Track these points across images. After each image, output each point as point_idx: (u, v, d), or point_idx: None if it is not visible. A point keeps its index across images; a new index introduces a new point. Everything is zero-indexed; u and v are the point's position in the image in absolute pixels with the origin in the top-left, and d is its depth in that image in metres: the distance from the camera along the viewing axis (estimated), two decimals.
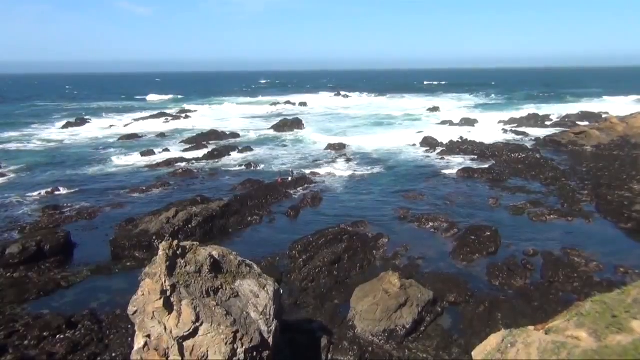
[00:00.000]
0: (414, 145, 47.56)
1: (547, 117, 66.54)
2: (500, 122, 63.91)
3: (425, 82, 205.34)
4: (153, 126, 66.50)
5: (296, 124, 61.83)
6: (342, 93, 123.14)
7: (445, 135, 51.91)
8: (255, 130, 62.03)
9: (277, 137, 55.12)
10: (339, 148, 46.56)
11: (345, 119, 74.78)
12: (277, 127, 60.50)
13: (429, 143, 46.97)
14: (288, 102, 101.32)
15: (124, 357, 13.41)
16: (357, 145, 48.03)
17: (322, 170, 37.08)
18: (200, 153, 44.88)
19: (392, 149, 46.16)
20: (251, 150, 46.80)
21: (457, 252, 20.53)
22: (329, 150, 45.96)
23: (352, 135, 55.18)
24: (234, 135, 56.49)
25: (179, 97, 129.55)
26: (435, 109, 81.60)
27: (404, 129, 60.13)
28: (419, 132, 55.31)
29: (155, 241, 20.98)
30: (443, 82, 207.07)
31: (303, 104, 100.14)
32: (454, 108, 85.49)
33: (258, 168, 39.16)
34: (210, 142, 51.50)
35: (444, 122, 64.98)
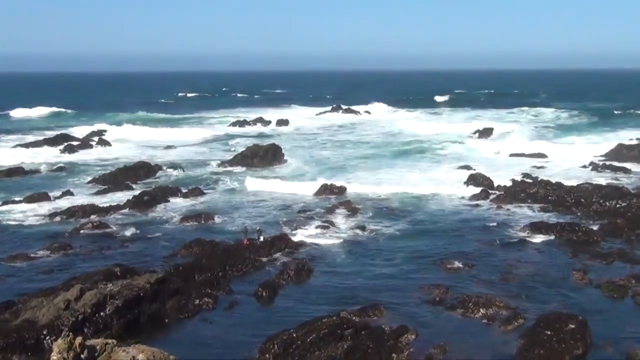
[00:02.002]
0: (456, 187, 48.16)
1: None
2: (586, 152, 65.08)
3: (456, 91, 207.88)
4: (47, 156, 66.78)
5: (272, 153, 62.55)
6: (344, 107, 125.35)
7: (503, 172, 52.57)
8: (208, 162, 62.60)
9: (241, 174, 55.50)
10: (338, 191, 46.97)
11: (347, 145, 76.01)
12: (243, 159, 61.11)
13: (479, 184, 47.60)
14: (260, 120, 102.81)
15: None
16: (366, 187, 48.49)
17: (311, 227, 37.20)
18: (121, 198, 44.86)
19: (422, 193, 46.63)
20: (201, 194, 46.88)
21: (525, 356, 20.44)
22: (324, 195, 46.32)
23: (359, 171, 55.79)
24: (175, 170, 56.87)
25: (66, 111, 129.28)
26: (486, 132, 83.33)
27: (440, 162, 60.94)
28: (462, 167, 56.07)
29: (47, 338, 20.68)
30: (491, 90, 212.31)
31: (283, 123, 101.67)
32: (514, 130, 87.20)
33: (212, 222, 39.09)
34: (138, 181, 51.77)
35: (499, 152, 66.18)
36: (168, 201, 44.63)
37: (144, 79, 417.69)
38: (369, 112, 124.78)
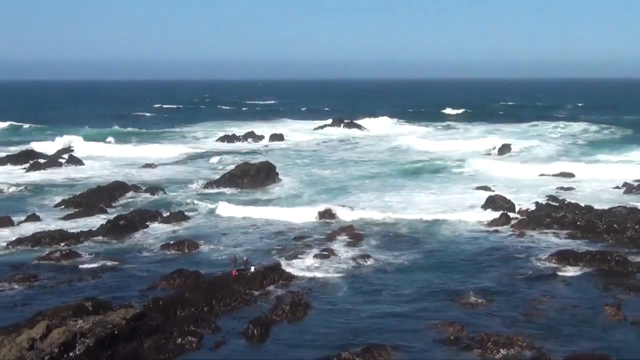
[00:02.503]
0: (473, 211, 48.23)
1: None
2: (619, 171, 65.07)
3: (470, 102, 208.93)
4: (9, 175, 66.94)
5: (265, 172, 62.59)
6: (346, 121, 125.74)
7: (526, 194, 52.71)
8: (192, 182, 62.87)
9: (230, 196, 55.59)
10: (339, 216, 47.06)
11: (349, 163, 76.21)
12: (230, 179, 61.21)
13: (499, 207, 47.59)
14: (251, 135, 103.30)
15: None
16: (370, 211, 48.51)
17: (309, 256, 37.20)
18: (93, 223, 44.95)
19: (434, 218, 46.63)
20: (184, 218, 46.92)
21: None
22: (323, 220, 46.39)
23: (363, 193, 55.81)
24: (155, 191, 56.96)
25: (22, 125, 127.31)
26: (505, 148, 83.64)
27: (454, 183, 60.99)
28: (479, 188, 56.23)
29: None
30: (510, 102, 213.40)
31: (277, 138, 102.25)
32: (537, 146, 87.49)
33: (196, 251, 39.09)
34: (113, 204, 51.89)
35: (521, 172, 66.26)
36: (147, 226, 44.63)
37: (117, 88, 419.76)
38: (373, 126, 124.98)
